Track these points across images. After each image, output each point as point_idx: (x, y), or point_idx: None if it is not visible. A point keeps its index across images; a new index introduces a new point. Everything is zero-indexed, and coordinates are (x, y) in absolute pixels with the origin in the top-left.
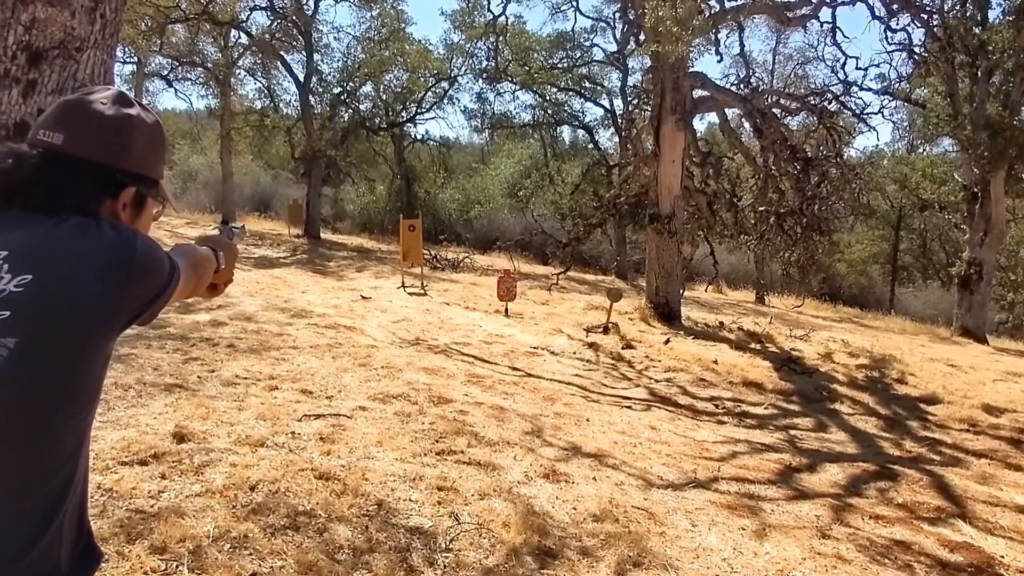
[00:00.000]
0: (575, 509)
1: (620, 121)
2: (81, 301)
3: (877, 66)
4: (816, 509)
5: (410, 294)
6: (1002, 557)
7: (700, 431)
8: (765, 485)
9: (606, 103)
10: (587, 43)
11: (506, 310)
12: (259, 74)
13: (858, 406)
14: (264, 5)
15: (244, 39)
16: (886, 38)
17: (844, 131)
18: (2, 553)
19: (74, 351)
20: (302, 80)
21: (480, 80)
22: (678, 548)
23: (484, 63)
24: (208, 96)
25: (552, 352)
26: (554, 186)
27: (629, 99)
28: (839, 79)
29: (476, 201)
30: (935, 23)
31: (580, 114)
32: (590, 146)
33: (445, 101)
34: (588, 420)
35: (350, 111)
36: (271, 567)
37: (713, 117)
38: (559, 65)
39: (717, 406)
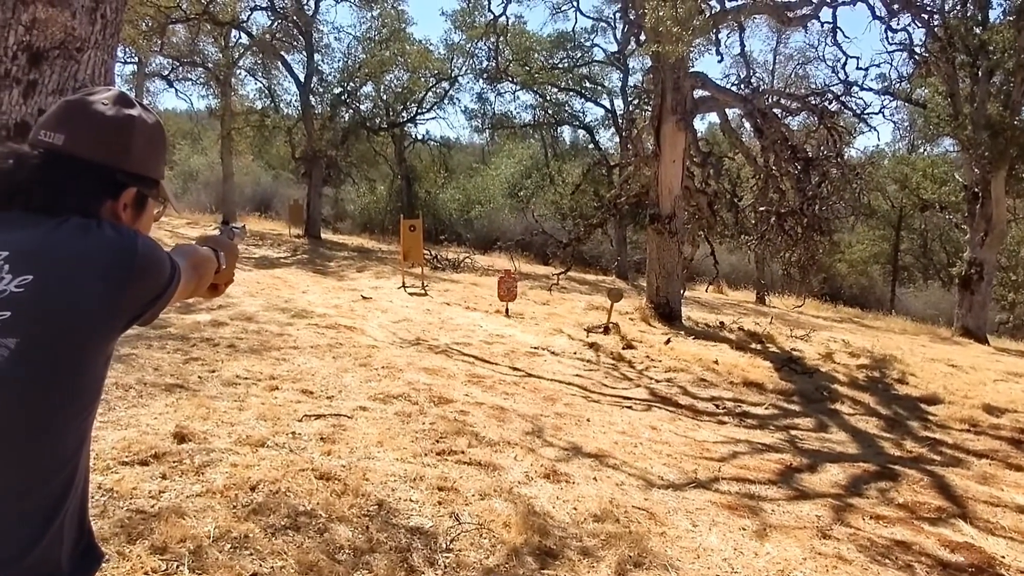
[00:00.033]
0: (576, 509)
1: (621, 121)
2: (82, 302)
3: (878, 66)
4: (817, 509)
5: (411, 294)
6: (1003, 557)
7: (701, 431)
8: (766, 485)
9: (607, 103)
10: (588, 43)
11: (507, 310)
12: (260, 74)
13: (859, 406)
14: (265, 5)
15: (245, 39)
16: (887, 38)
17: (845, 131)
18: (3, 553)
19: (75, 351)
20: (303, 80)
21: (481, 80)
22: (679, 548)
23: (485, 63)
24: (209, 96)
25: (553, 352)
26: (555, 186)
27: (630, 99)
28: (840, 79)
29: (477, 201)
30: (936, 23)
31: (581, 114)
32: (591, 146)
33: (446, 101)
34: (589, 420)
35: (351, 111)
36: (272, 567)
37: (714, 117)
38: (560, 65)
39: (718, 406)
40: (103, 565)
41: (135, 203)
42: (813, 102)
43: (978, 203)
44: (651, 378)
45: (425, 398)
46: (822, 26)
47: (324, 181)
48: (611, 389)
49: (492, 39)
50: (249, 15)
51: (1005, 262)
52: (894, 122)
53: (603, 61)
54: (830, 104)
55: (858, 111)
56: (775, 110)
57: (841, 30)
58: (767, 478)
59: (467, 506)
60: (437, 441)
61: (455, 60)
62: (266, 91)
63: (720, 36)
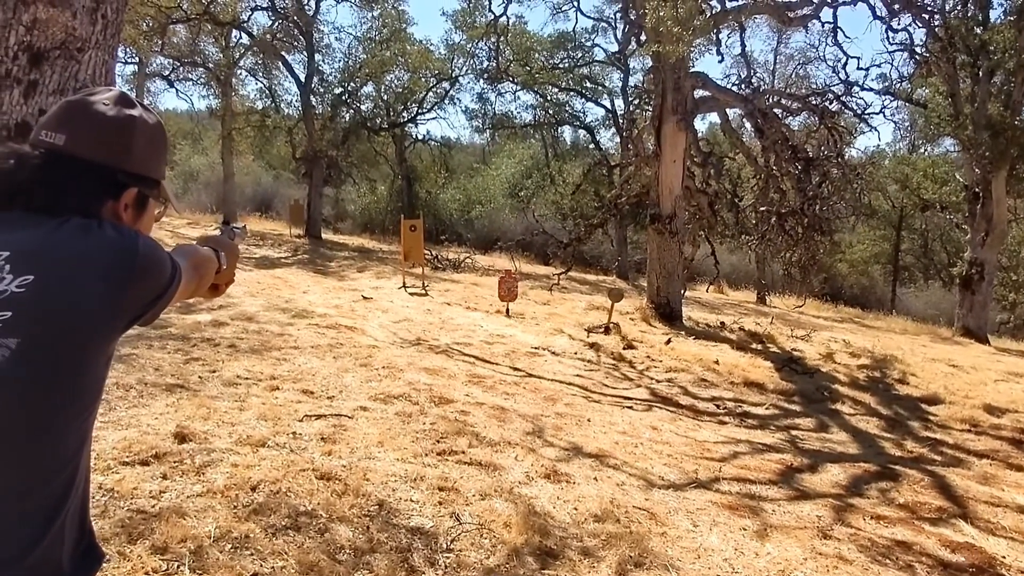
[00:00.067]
0: (576, 509)
1: (621, 121)
2: (83, 302)
3: (878, 66)
4: (817, 509)
5: (411, 294)
6: (1004, 558)
7: (701, 431)
8: (766, 485)
9: (607, 103)
10: (588, 43)
11: (507, 310)
12: (260, 74)
13: (859, 406)
14: (265, 5)
15: (245, 39)
16: (887, 38)
17: (845, 131)
18: (4, 553)
19: (76, 352)
20: (303, 80)
21: (481, 80)
22: (679, 548)
23: (485, 63)
24: (209, 96)
25: (553, 352)
26: (555, 186)
27: (630, 99)
28: (840, 79)
29: (477, 201)
30: (936, 23)
31: (581, 114)
32: (591, 146)
33: (446, 101)
34: (589, 420)
35: (351, 111)
36: (272, 567)
37: (714, 117)
38: (560, 65)
39: (718, 406)
40: (104, 565)
41: (136, 203)
42: (814, 102)
43: (979, 203)
44: (652, 378)
45: (426, 398)
46: (823, 26)
47: (325, 181)
48: (612, 389)
49: (493, 39)
50: (250, 15)
51: (1006, 262)
52: (895, 122)
53: (604, 61)
54: (831, 104)
55: (859, 111)
56: (776, 110)
57: (842, 30)
58: (768, 478)
59: (468, 506)
60: (438, 441)
61: (456, 60)
62: (267, 91)
63: (721, 36)
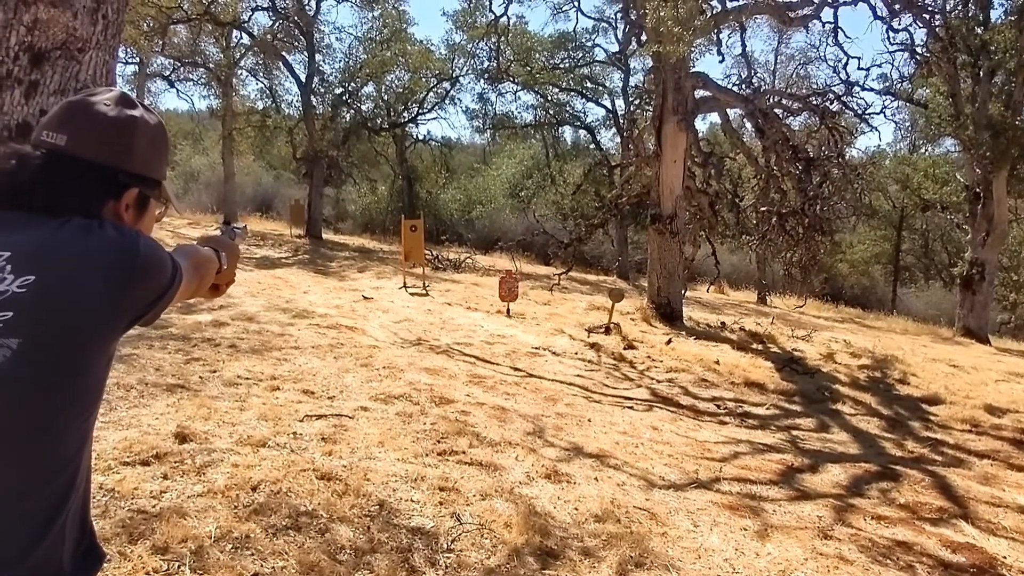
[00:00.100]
0: (577, 509)
1: (622, 121)
2: (83, 302)
3: (879, 66)
4: (818, 510)
5: (412, 294)
6: (1004, 558)
7: (702, 431)
8: (767, 485)
9: (608, 103)
10: (589, 43)
11: (508, 310)
12: (261, 74)
13: (860, 406)
14: (266, 6)
15: (246, 39)
16: (888, 38)
17: (846, 131)
18: (4, 554)
19: (76, 352)
20: (304, 80)
21: (482, 80)
22: (680, 548)
23: (486, 63)
24: (210, 96)
25: (554, 352)
26: (556, 186)
27: (631, 99)
28: (841, 79)
29: (478, 201)
30: (937, 23)
31: (582, 114)
32: (592, 146)
33: (447, 101)
34: (590, 420)
35: (352, 111)
36: (273, 567)
37: (715, 117)
38: (561, 65)
39: (719, 406)
40: (105, 565)
41: (137, 204)
42: (814, 102)
43: (979, 203)
44: (652, 378)
45: (426, 398)
46: (823, 26)
47: (325, 181)
48: (612, 389)
49: (493, 39)
50: (250, 15)
51: (1007, 262)
52: (895, 122)
53: (604, 61)
54: (831, 104)
55: (859, 111)
56: (776, 110)
57: (842, 30)
58: (768, 478)
59: (468, 506)
60: (438, 441)
61: (456, 60)
62: (267, 91)
63: (721, 36)
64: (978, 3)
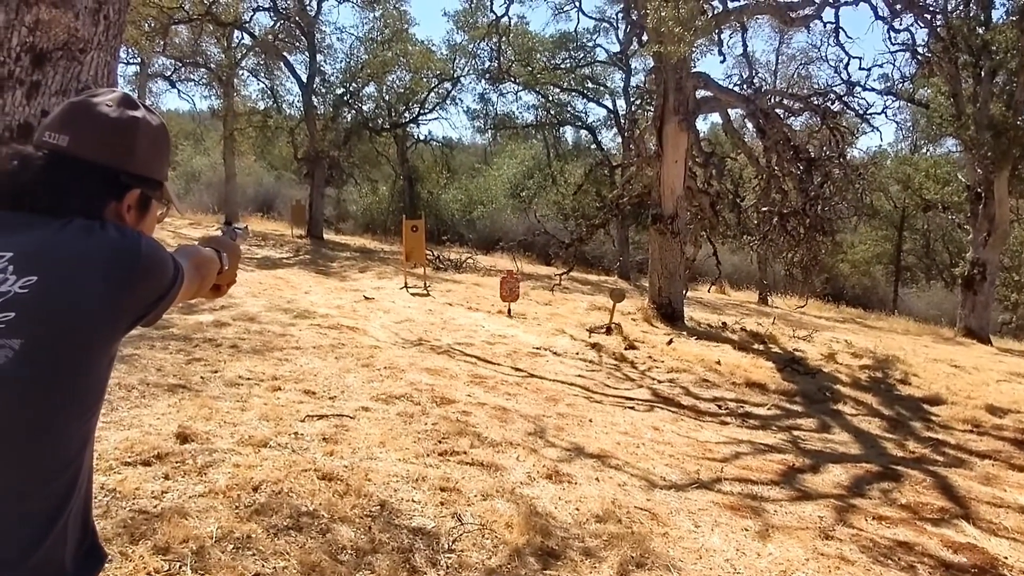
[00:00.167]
0: (578, 510)
1: (623, 121)
2: (84, 302)
3: (880, 66)
4: (819, 510)
5: (413, 295)
6: (1006, 558)
7: (703, 432)
8: (768, 486)
9: (609, 103)
10: (590, 43)
11: (509, 311)
12: (262, 75)
13: (861, 407)
14: (267, 6)
15: (247, 40)
16: (889, 38)
17: (847, 131)
18: (4, 555)
19: (77, 352)
20: (305, 81)
21: (483, 81)
22: (681, 549)
23: (487, 64)
24: (211, 97)
25: (555, 353)
26: (557, 186)
27: (632, 99)
28: (842, 79)
29: (479, 202)
30: (938, 23)
31: (583, 114)
32: (593, 146)
33: (448, 102)
34: (591, 421)
35: (353, 112)
36: (274, 568)
37: (716, 117)
38: (562, 65)
39: (720, 407)
40: (106, 565)
41: (139, 204)
42: (816, 102)
43: (981, 203)
44: (653, 379)
45: (427, 398)
46: (824, 26)
47: (326, 182)
48: (613, 390)
49: (494, 39)
50: (252, 16)
51: (1008, 262)
52: (897, 122)
53: (605, 61)
54: (833, 104)
55: (861, 111)
56: (777, 110)
57: (843, 30)
58: (769, 479)
59: (469, 507)
60: (439, 442)
61: (457, 60)
62: (268, 92)
63: (722, 36)
64: (979, 3)
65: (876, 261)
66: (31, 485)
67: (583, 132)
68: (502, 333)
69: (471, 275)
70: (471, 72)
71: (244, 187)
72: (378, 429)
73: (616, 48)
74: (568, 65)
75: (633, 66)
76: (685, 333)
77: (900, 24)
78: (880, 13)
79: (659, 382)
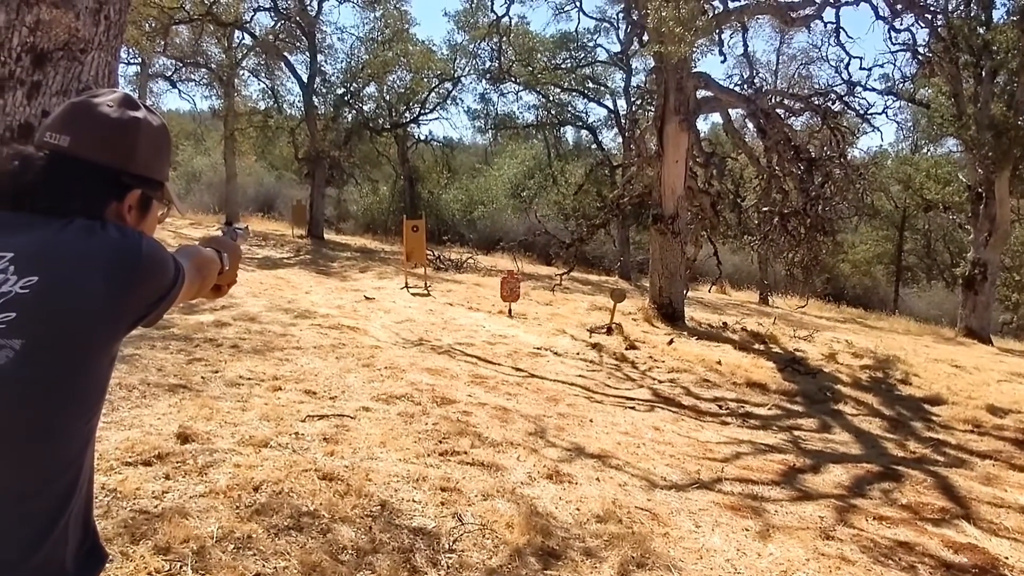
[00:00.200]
0: (578, 510)
1: (624, 122)
2: (85, 302)
3: (881, 66)
4: (820, 510)
5: (413, 295)
6: (1006, 558)
7: (704, 432)
8: (769, 486)
9: (610, 103)
10: (591, 44)
11: (509, 311)
12: (263, 75)
13: (862, 407)
14: (268, 6)
15: (248, 40)
16: (890, 38)
17: (848, 131)
18: (5, 555)
19: (78, 352)
20: (306, 81)
21: (484, 81)
22: (681, 549)
23: (487, 64)
24: (212, 97)
25: (555, 353)
26: (558, 187)
27: (633, 100)
28: (843, 79)
29: (479, 202)
30: (939, 23)
31: (584, 114)
32: (594, 146)
33: (448, 102)
34: (591, 421)
35: (354, 112)
36: (275, 568)
37: (717, 117)
38: (563, 66)
39: (721, 407)
40: (107, 565)
41: (140, 205)
42: (816, 102)
43: (982, 203)
44: (654, 379)
45: (428, 399)
46: (825, 26)
47: (327, 182)
48: (614, 390)
49: (495, 39)
50: (252, 16)
51: (1009, 262)
52: (897, 122)
53: (606, 61)
54: (833, 104)
55: (861, 111)
56: (778, 110)
57: (844, 30)
58: (770, 479)
59: (470, 507)
60: (440, 442)
61: (458, 60)
62: (269, 92)
63: (723, 36)
64: (980, 3)
65: (877, 261)
66: (32, 485)
67: (584, 132)
68: (503, 333)
69: (472, 275)
70: (472, 72)
71: (245, 187)
72: (379, 429)
73: (617, 48)
74: (569, 65)
75: (634, 66)
76: (686, 333)
77: (901, 24)
78: (881, 13)
79: (660, 382)
